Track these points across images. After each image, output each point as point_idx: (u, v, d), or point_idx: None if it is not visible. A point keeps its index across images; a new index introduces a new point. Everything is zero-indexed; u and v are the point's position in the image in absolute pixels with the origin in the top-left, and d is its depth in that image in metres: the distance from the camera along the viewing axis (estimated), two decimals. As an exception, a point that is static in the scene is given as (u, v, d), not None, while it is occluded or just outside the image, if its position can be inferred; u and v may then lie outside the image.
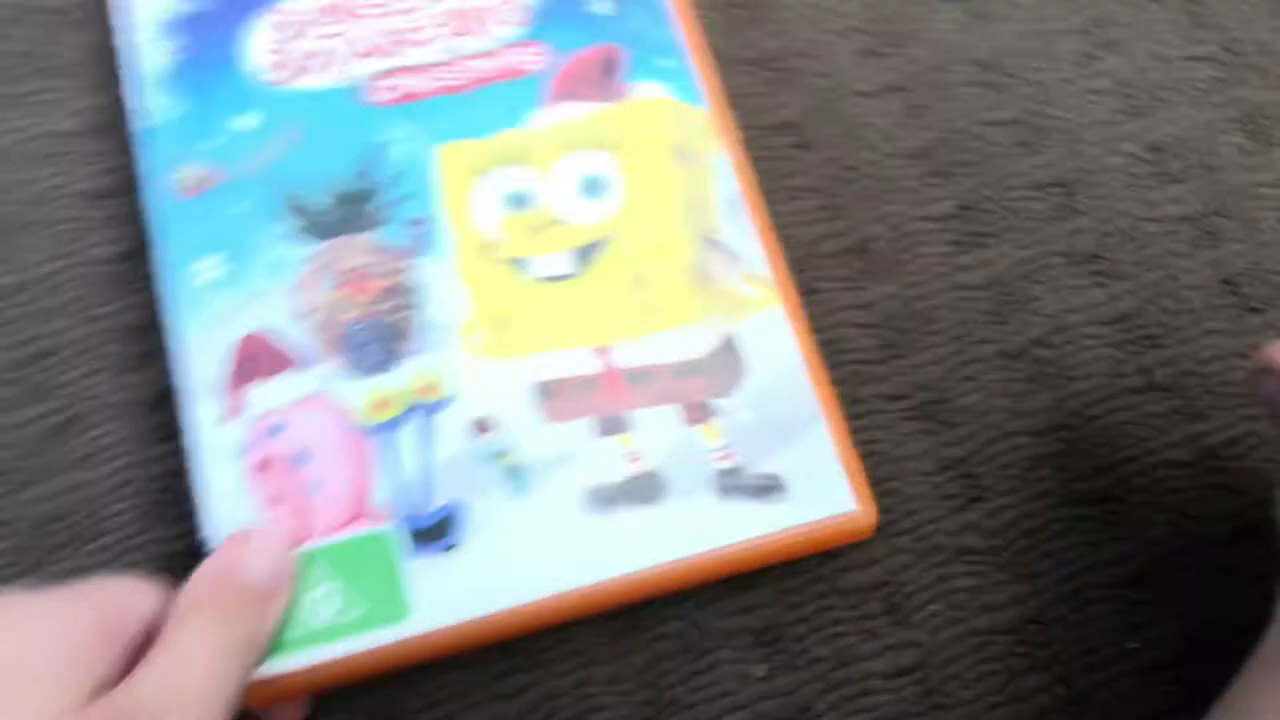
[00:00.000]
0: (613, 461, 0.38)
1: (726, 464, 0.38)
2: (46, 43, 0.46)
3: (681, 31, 0.43)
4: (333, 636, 0.35)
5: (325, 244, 0.40)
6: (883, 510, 0.40)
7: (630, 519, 0.37)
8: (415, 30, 0.43)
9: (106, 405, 0.41)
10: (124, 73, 0.43)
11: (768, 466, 0.38)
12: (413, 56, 0.43)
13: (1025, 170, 0.44)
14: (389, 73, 0.43)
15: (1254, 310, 0.43)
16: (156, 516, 0.39)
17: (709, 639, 0.39)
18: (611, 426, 0.38)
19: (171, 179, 0.41)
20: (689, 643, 0.39)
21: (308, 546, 0.36)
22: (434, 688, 0.38)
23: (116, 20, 0.44)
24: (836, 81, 0.45)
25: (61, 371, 0.41)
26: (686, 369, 0.39)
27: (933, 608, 0.39)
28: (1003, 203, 0.44)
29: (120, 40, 0.43)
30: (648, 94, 0.42)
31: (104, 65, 0.45)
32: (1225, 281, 0.43)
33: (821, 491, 0.38)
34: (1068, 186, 0.44)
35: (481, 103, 0.42)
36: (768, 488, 0.37)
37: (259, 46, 0.43)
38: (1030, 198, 0.44)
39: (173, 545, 0.39)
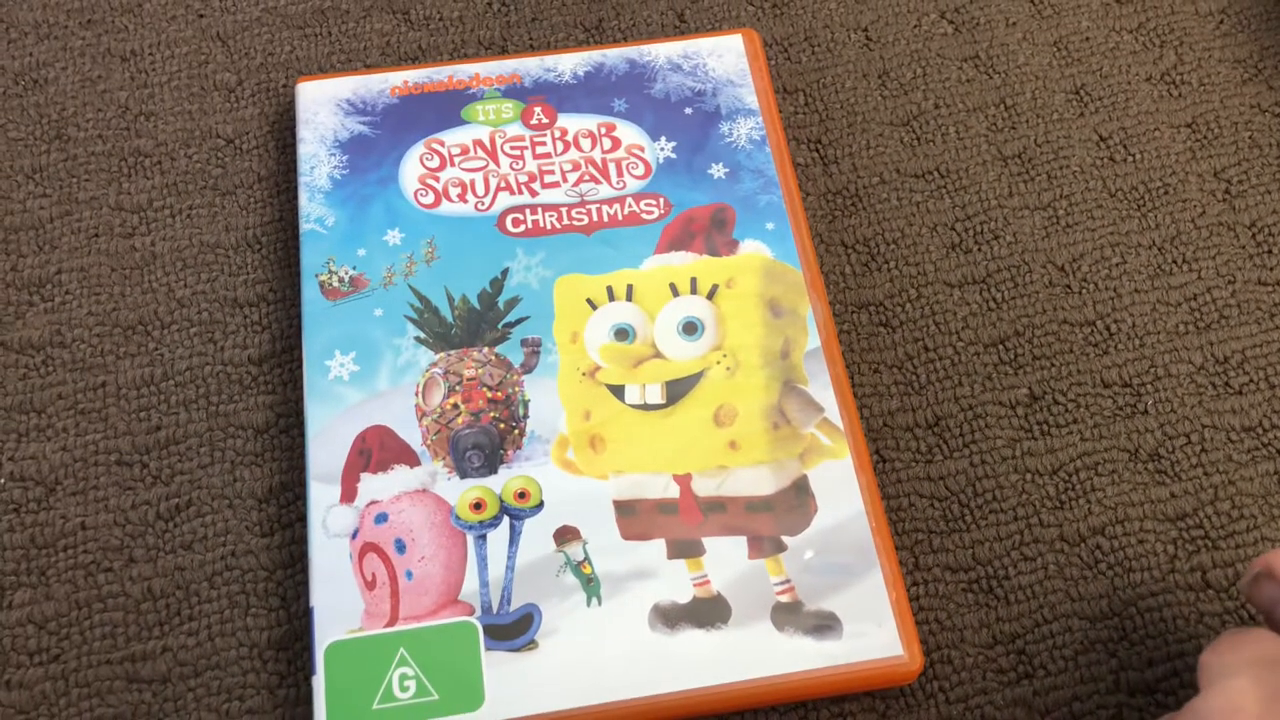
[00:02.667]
0: (681, 583, 0.40)
1: (786, 598, 0.40)
2: (215, 165, 0.50)
3: (785, 202, 0.47)
4: (413, 715, 0.38)
5: (446, 354, 0.44)
6: (935, 678, 0.41)
7: (692, 639, 0.39)
8: (549, 173, 0.48)
9: (218, 496, 0.43)
10: (298, 181, 0.47)
11: (824, 605, 0.40)
12: (545, 196, 0.47)
13: (1095, 368, 0.46)
14: (522, 208, 0.47)
15: (1310, 523, 0.43)
16: (249, 606, 0.41)
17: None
18: (682, 550, 0.40)
19: (322, 281, 0.45)
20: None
21: (398, 628, 0.39)
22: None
23: (295, 134, 0.49)
24: (923, 270, 0.48)
25: (181, 459, 0.44)
26: (758, 505, 0.41)
27: (976, 776, 0.39)
28: (1071, 396, 0.45)
29: (296, 153, 0.48)
30: (750, 250, 0.46)
31: (262, 188, 0.49)
32: (1283, 492, 0.44)
33: (872, 635, 0.39)
34: (1134, 387, 0.46)
35: (601, 243, 0.46)
36: (823, 626, 0.39)
37: (411, 172, 0.47)
38: (1098, 394, 0.46)
39: (261, 635, 0.41)
